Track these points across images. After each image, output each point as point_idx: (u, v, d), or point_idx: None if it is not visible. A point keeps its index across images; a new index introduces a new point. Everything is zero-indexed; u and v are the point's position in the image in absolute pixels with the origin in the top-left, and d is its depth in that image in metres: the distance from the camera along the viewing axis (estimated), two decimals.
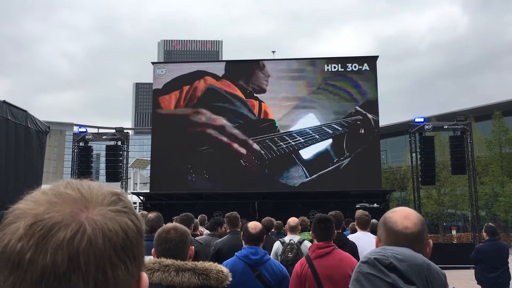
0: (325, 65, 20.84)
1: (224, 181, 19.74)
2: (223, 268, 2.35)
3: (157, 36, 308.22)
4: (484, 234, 7.37)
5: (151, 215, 4.97)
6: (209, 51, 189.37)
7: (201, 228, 7.35)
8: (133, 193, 24.13)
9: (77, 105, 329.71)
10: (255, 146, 20.09)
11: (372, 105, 20.21)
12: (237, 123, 20.38)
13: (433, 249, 1.88)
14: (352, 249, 4.92)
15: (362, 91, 20.41)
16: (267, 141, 20.11)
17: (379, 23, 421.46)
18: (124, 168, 20.89)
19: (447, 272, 1.83)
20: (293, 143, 20.07)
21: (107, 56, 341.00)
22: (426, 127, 19.50)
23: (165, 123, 20.62)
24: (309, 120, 20.34)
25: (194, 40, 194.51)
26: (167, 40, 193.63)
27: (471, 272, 7.77)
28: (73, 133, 21.49)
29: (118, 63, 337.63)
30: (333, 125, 20.13)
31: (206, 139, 20.25)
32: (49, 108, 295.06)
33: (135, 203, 26.44)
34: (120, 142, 20.60)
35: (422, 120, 19.85)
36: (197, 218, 7.24)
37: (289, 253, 5.26)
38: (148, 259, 2.26)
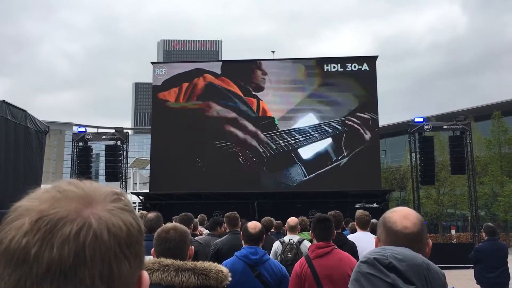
0: (325, 65, 20.84)
1: (223, 181, 19.73)
2: (222, 268, 2.35)
3: (157, 36, 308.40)
4: (484, 234, 7.37)
5: (151, 215, 4.97)
6: (208, 51, 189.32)
7: (200, 228, 7.34)
8: (132, 193, 24.13)
9: (77, 105, 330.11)
10: (254, 144, 20.08)
11: (372, 105, 20.20)
12: (237, 121, 20.38)
13: (432, 249, 1.88)
14: (352, 249, 4.92)
15: (362, 91, 20.42)
16: (267, 139, 20.12)
17: (378, 23, 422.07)
18: (124, 168, 20.87)
19: (446, 272, 1.83)
20: (292, 141, 20.07)
21: (106, 56, 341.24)
22: (426, 127, 19.50)
23: (165, 123, 20.62)
24: (308, 120, 20.35)
25: (193, 40, 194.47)
26: (166, 40, 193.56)
27: (471, 272, 7.78)
28: (73, 133, 21.47)
29: (117, 63, 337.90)
30: (333, 124, 20.14)
31: (206, 139, 20.25)
32: (49, 108, 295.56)
33: (134, 203, 26.45)
34: (119, 142, 20.59)
35: (421, 120, 19.85)
36: (196, 218, 7.23)
37: (289, 253, 5.26)
38: (148, 259, 2.26)
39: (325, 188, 18.97)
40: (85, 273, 0.57)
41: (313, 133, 20.12)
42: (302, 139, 20.09)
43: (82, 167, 20.02)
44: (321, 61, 21.19)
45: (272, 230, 7.59)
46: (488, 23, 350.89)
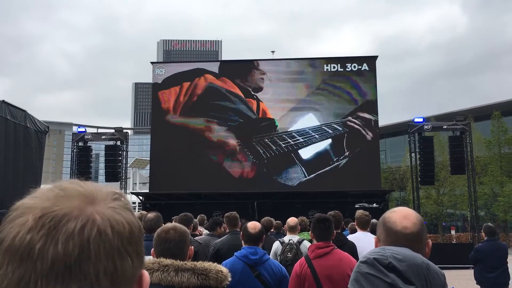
0: (325, 65, 20.84)
1: (223, 181, 19.73)
2: (222, 268, 2.34)
3: (157, 36, 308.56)
4: (483, 234, 7.37)
5: (151, 215, 4.97)
6: (208, 51, 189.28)
7: (200, 228, 7.35)
8: (132, 193, 24.12)
9: (77, 105, 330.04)
10: (255, 145, 20.08)
11: (372, 105, 20.21)
12: (237, 122, 20.39)
13: (432, 249, 1.88)
14: (351, 249, 4.92)
15: (362, 91, 20.41)
16: (267, 140, 20.11)
17: (378, 23, 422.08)
18: (123, 168, 20.86)
19: (446, 272, 1.83)
20: (292, 142, 20.07)
21: (106, 56, 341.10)
22: (426, 127, 19.50)
23: (165, 123, 20.61)
24: (308, 121, 20.34)
25: (193, 40, 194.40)
26: (166, 40, 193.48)
27: (470, 272, 7.78)
28: (72, 133, 21.46)
29: (117, 63, 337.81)
30: (333, 124, 20.14)
31: (206, 139, 20.25)
32: (49, 108, 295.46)
33: (134, 203, 26.47)
34: (119, 142, 20.58)
35: (421, 120, 19.86)
36: (196, 218, 7.23)
37: (289, 253, 5.26)
38: (148, 259, 2.25)
39: (325, 188, 18.97)
40: (89, 268, 0.58)
41: (313, 134, 20.12)
42: (302, 140, 20.10)
43: (82, 167, 20.01)
44: (321, 61, 21.19)
45: (272, 230, 7.59)
46: (488, 23, 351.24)
